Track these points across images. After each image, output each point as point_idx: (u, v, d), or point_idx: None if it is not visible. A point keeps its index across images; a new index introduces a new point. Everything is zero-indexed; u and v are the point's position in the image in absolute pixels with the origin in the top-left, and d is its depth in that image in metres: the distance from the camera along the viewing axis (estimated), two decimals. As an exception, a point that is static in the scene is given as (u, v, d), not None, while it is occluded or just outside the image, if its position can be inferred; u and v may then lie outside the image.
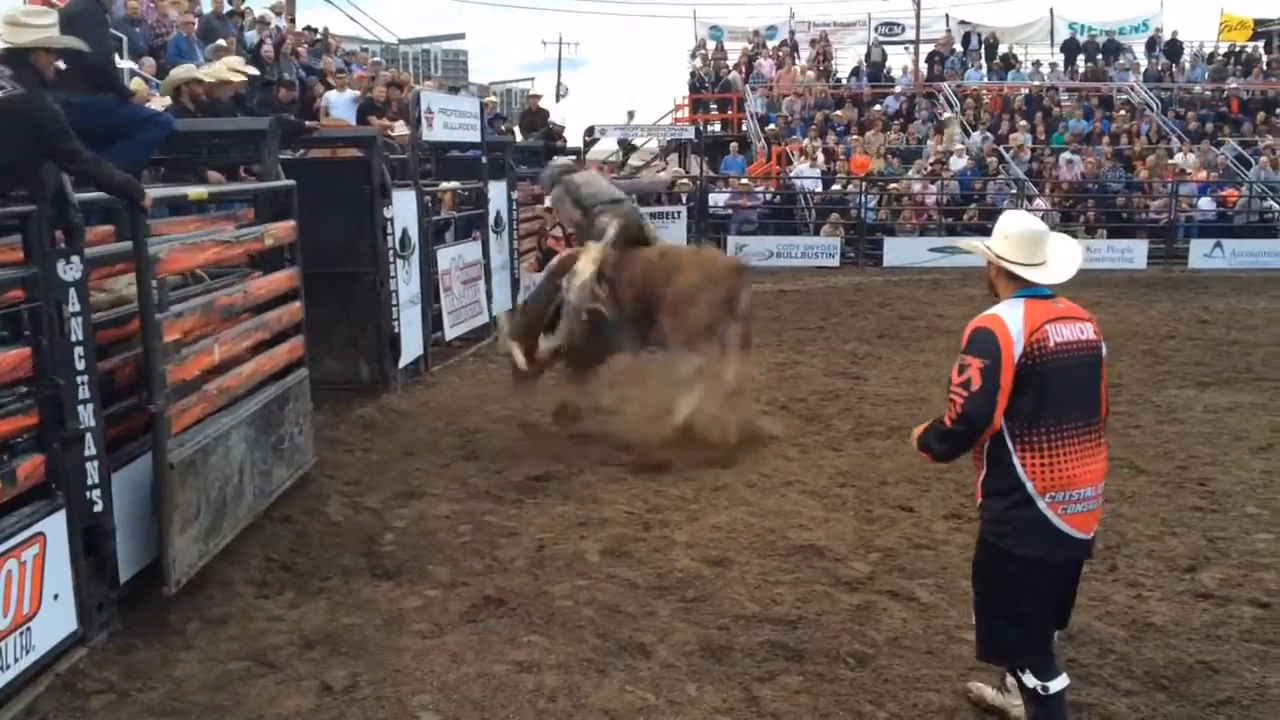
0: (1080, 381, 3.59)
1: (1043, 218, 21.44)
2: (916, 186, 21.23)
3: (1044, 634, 3.69)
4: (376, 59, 18.19)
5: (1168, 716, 4.03)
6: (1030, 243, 3.69)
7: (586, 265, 7.81)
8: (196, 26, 13.15)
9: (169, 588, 4.71)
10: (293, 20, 16.85)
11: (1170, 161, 22.16)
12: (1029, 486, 3.53)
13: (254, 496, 5.69)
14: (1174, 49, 27.52)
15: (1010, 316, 3.55)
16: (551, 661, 4.39)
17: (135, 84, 8.29)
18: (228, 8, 14.83)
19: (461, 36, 49.93)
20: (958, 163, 21.77)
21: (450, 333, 11.01)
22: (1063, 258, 3.76)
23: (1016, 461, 3.55)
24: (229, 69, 8.18)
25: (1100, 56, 27.23)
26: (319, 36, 17.18)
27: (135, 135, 6.23)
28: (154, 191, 5.10)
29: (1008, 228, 3.74)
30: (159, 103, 8.02)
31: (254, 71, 8.69)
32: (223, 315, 5.52)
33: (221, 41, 12.28)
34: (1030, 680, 3.63)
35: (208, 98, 7.88)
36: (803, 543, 5.72)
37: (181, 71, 8.26)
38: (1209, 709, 4.09)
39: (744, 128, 24.99)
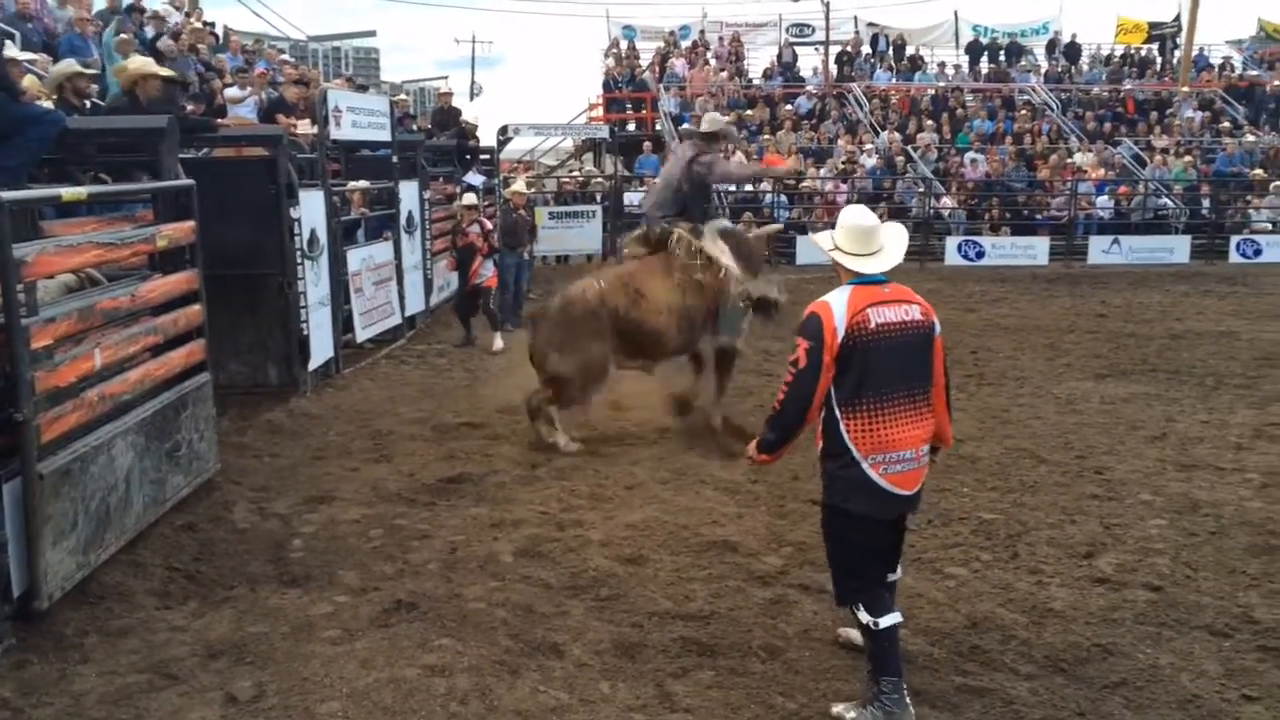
0: (903, 357, 3.99)
1: (949, 216, 22.04)
2: (828, 185, 21.54)
3: (875, 576, 4.09)
4: (285, 56, 17.76)
5: (1066, 699, 4.15)
6: (862, 235, 4.10)
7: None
8: (93, 26, 12.73)
9: (40, 602, 4.54)
10: (197, 15, 16.38)
11: (1070, 160, 22.85)
12: (854, 451, 3.95)
13: (144, 506, 5.53)
14: (1073, 51, 28.42)
15: (836, 302, 3.98)
16: (464, 664, 4.35)
17: (28, 81, 8.00)
18: (126, 2, 14.41)
19: (373, 34, 49.37)
20: (868, 161, 22.14)
21: (361, 335, 10.88)
22: (891, 247, 4.14)
23: (843, 429, 3.97)
24: (150, 70, 7.96)
25: (1003, 58, 27.96)
26: (214, 33, 16.77)
27: (26, 133, 6.01)
28: (23, 194, 4.92)
29: (843, 222, 4.16)
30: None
31: (167, 73, 8.45)
32: (106, 319, 5.31)
33: (123, 35, 11.92)
34: (864, 616, 3.99)
35: (142, 96, 7.69)
36: (716, 539, 5.77)
37: (64, 67, 8.01)
38: (1105, 690, 4.22)
39: (658, 127, 25.09)
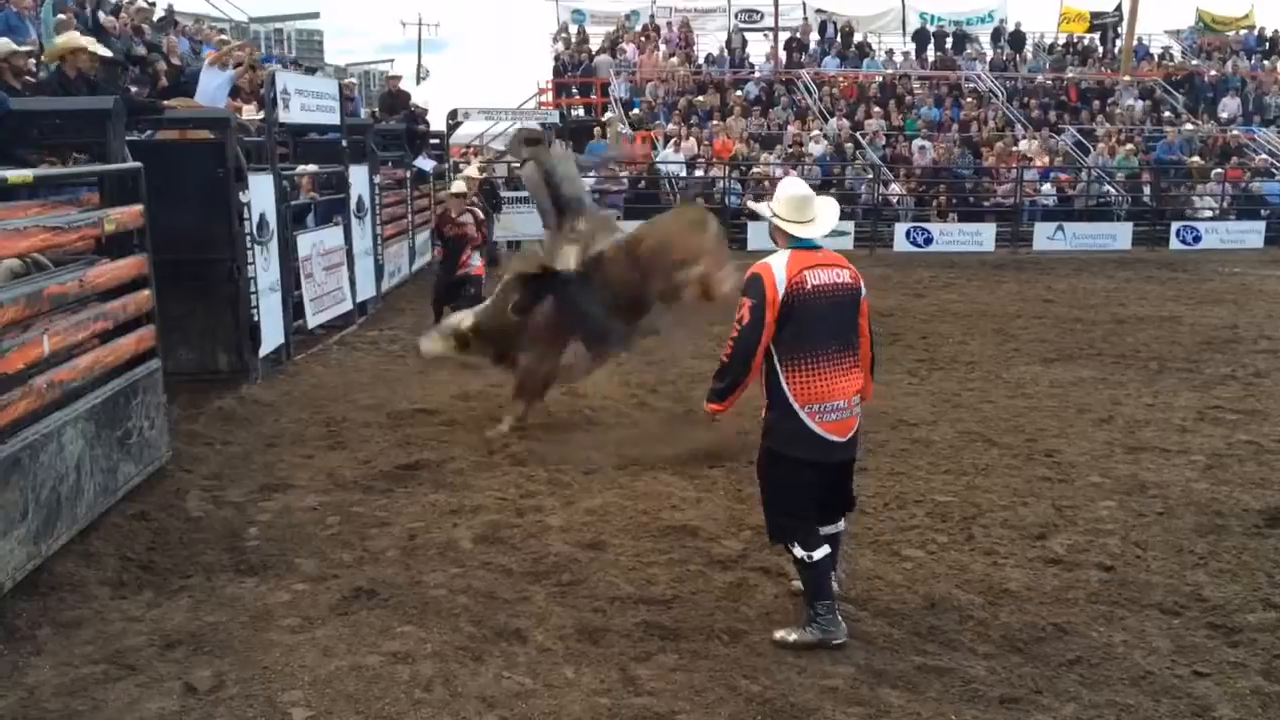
0: (835, 315, 4.42)
1: (898, 202, 22.25)
2: (778, 171, 21.64)
3: (806, 516, 4.50)
4: (225, 37, 17.42)
5: (1023, 677, 4.22)
6: (798, 204, 4.52)
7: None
8: (28, 1, 12.37)
9: None
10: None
11: (1015, 148, 23.17)
12: (793, 401, 4.38)
13: (95, 495, 5.42)
14: (1017, 40, 28.78)
15: (777, 264, 4.39)
16: (426, 651, 4.33)
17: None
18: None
19: (316, 15, 48.41)
20: (816, 148, 22.27)
21: (313, 320, 10.73)
22: (824, 216, 4.56)
23: (783, 381, 4.39)
24: (78, 44, 7.77)
25: (949, 46, 28.24)
26: (163, 14, 16.42)
27: (-34, 115, 5.85)
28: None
29: (781, 192, 4.59)
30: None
31: (106, 51, 8.25)
32: (53, 305, 5.19)
33: (62, 16, 11.62)
34: (799, 551, 4.45)
35: (70, 71, 7.49)
36: (676, 524, 5.79)
37: (1, 46, 7.80)
38: (1060, 668, 4.30)
39: (608, 112, 25.00)
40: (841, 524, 4.75)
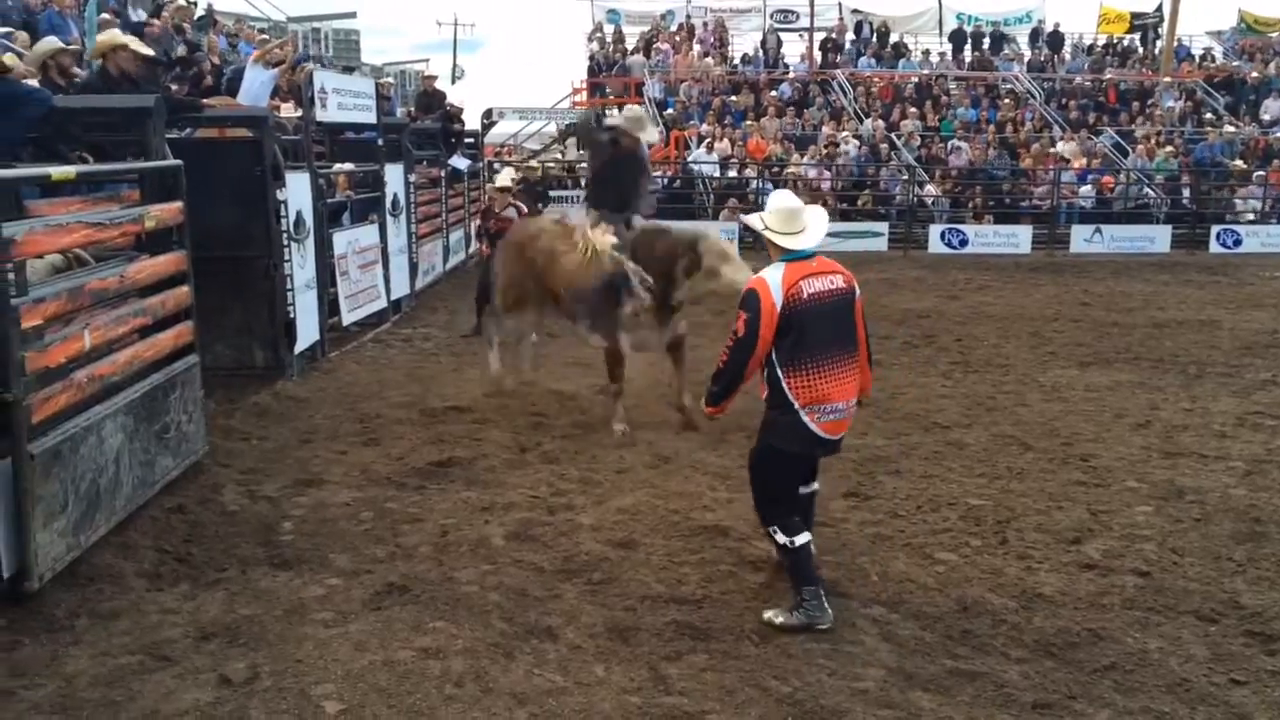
0: (833, 321, 4.61)
1: (933, 204, 22.11)
2: (811, 172, 21.55)
3: (791, 503, 4.75)
4: (264, 36, 17.62)
5: (1057, 682, 4.18)
6: (788, 216, 4.69)
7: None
8: (70, 1, 12.55)
9: (31, 583, 4.52)
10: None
11: (1052, 150, 22.94)
12: (794, 403, 4.57)
13: (134, 488, 5.49)
14: (1056, 40, 28.50)
15: (772, 278, 4.57)
16: (458, 647, 4.35)
17: (9, 59, 7.88)
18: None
19: (353, 15, 48.78)
20: (851, 149, 22.16)
21: (347, 318, 10.82)
22: (814, 226, 4.72)
23: (785, 385, 4.58)
24: (119, 41, 7.87)
25: (986, 46, 28.02)
26: (203, 13, 16.61)
27: (12, 113, 5.94)
28: (12, 173, 4.86)
29: (771, 205, 4.76)
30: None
31: (148, 50, 8.35)
32: (95, 300, 5.27)
33: (105, 15, 11.77)
34: (781, 537, 4.68)
35: (112, 69, 7.58)
36: (707, 523, 5.78)
37: (46, 45, 7.91)
38: (1095, 674, 4.26)
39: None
40: (815, 484, 5.07)
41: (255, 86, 11.14)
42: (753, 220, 4.88)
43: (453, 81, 38.53)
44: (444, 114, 16.76)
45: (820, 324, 4.55)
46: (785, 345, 4.54)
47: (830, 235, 19.74)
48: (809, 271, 4.59)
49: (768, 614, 4.64)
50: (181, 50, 13.23)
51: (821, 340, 4.56)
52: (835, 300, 4.61)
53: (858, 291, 4.74)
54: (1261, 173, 22.28)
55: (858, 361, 4.72)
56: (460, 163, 16.33)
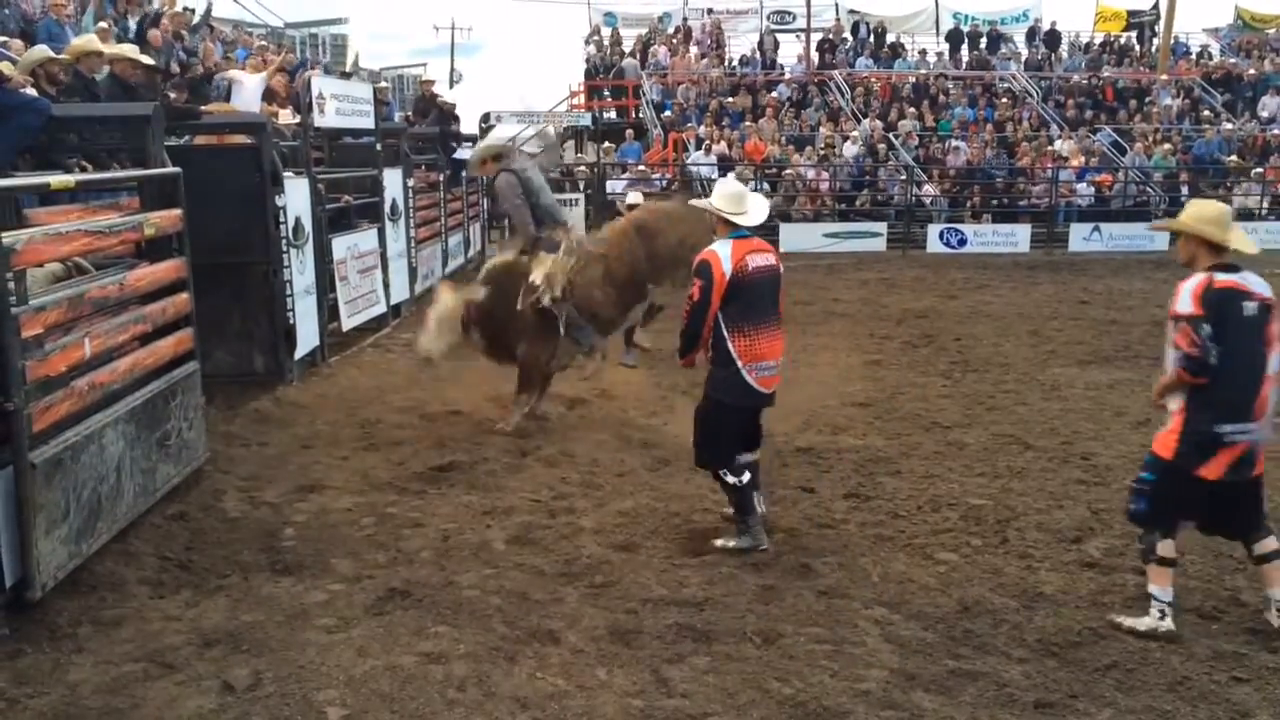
0: (770, 292, 5.43)
1: (931, 203, 22.08)
2: (810, 173, 21.56)
3: (731, 450, 5.50)
4: (263, 43, 17.63)
5: (1059, 681, 4.19)
6: (735, 198, 5.47)
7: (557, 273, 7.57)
8: (69, 9, 12.56)
9: (33, 592, 4.50)
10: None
11: (1050, 148, 22.96)
12: (738, 361, 5.35)
13: (135, 495, 5.49)
14: (1052, 39, 28.54)
15: (722, 251, 5.34)
16: (460, 651, 4.36)
17: (4, 67, 7.89)
18: (104, -11, 14.23)
19: (345, 21, 48.70)
20: (849, 149, 22.18)
21: (347, 323, 10.81)
22: (756, 207, 5.52)
23: (730, 345, 5.35)
24: (90, 44, 7.88)
25: (983, 45, 28.05)
26: (201, 15, 16.59)
27: (10, 121, 5.95)
28: (12, 182, 4.85)
29: (720, 189, 5.56)
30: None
31: (149, 60, 8.37)
32: (95, 308, 5.26)
33: (102, 24, 11.79)
34: (730, 478, 5.50)
35: (85, 72, 7.58)
36: (707, 526, 5.79)
37: (37, 53, 7.90)
38: (1096, 673, 4.27)
39: (640, 114, 25.03)
40: (758, 453, 5.73)
41: (245, 94, 11.19)
42: (701, 202, 5.71)
43: (451, 86, 38.43)
44: (439, 114, 16.74)
45: (760, 293, 5.34)
46: (731, 311, 5.31)
47: (829, 235, 19.93)
48: (753, 248, 5.38)
49: (718, 541, 5.47)
50: (182, 57, 13.24)
51: (761, 308, 5.36)
52: (771, 274, 5.43)
53: (781, 268, 5.57)
54: (1260, 170, 22.28)
55: (782, 327, 5.55)
56: (467, 154, 16.29)
